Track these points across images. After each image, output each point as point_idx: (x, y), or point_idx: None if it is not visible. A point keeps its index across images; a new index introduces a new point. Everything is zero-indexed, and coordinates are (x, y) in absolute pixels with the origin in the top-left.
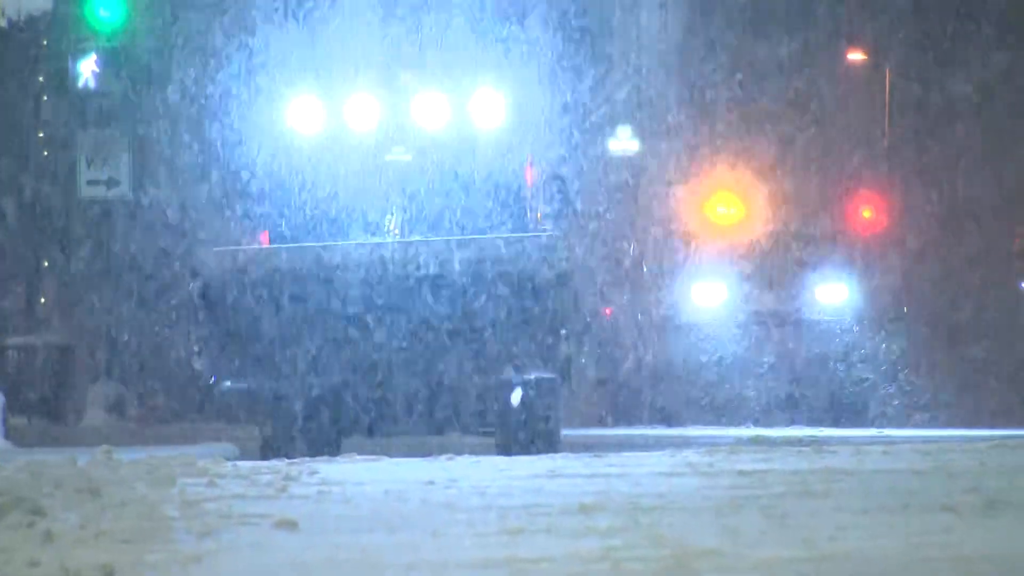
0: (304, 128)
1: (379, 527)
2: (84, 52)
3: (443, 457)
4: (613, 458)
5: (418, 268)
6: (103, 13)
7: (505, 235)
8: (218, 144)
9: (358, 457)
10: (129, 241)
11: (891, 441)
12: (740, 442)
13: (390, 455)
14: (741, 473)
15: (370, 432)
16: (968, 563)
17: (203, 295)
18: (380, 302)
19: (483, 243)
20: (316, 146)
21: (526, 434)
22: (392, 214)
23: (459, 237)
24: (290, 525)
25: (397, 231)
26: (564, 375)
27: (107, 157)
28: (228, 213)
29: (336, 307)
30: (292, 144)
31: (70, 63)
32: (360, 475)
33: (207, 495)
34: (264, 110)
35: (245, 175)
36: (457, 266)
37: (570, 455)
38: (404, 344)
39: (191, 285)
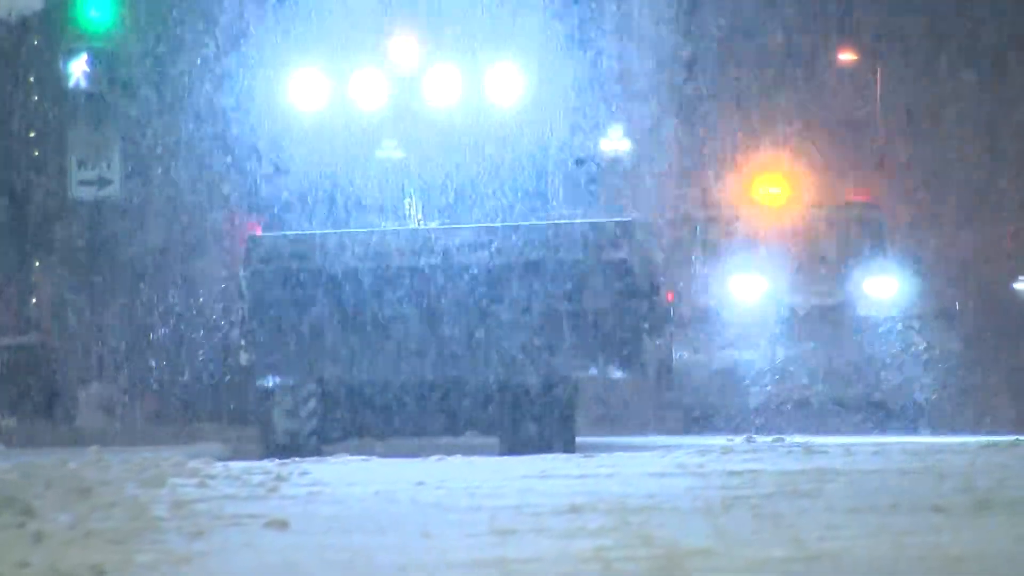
0: (307, 109)
1: (369, 527)
2: (75, 52)
3: (434, 458)
4: (604, 458)
5: (493, 256)
6: (94, 13)
7: (589, 220)
8: (216, 138)
9: (349, 457)
10: (120, 240)
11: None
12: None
13: (381, 455)
14: (731, 473)
15: (426, 432)
16: (958, 563)
17: (252, 284)
18: (449, 293)
19: (566, 229)
20: (321, 127)
21: (541, 436)
22: (409, 198)
23: (540, 223)
24: (280, 525)
25: (420, 217)
26: (647, 374)
27: (98, 157)
28: (230, 206)
29: (399, 298)
30: (296, 128)
31: (61, 63)
32: (351, 476)
33: (198, 496)
34: (264, 96)
35: (248, 165)
36: (541, 254)
37: (560, 455)
38: (472, 340)
39: (240, 274)
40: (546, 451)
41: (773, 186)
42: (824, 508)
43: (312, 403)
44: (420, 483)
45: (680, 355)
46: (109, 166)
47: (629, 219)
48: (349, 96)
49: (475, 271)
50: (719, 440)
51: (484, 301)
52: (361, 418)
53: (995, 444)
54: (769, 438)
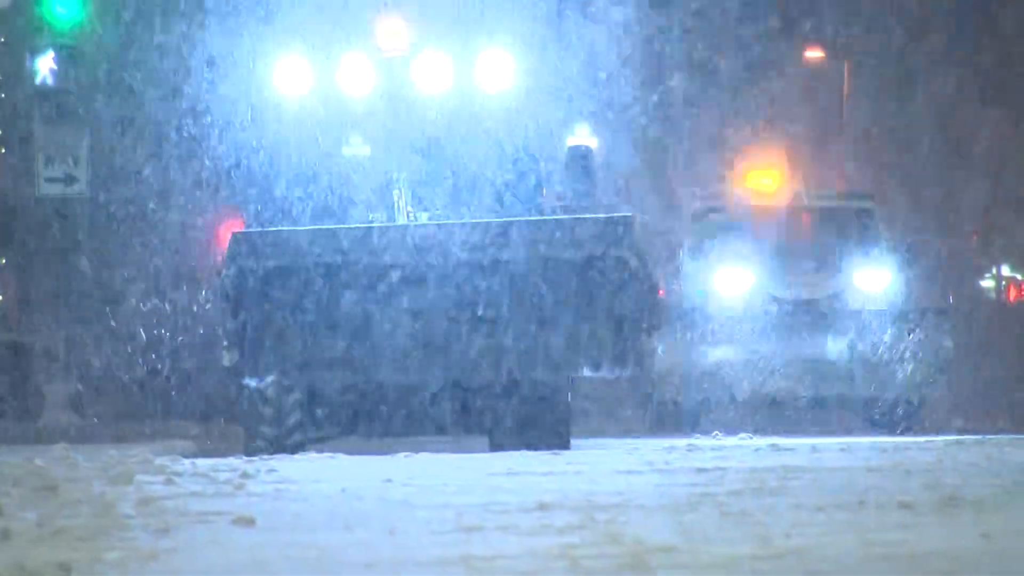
0: (289, 97)
1: (336, 525)
2: (41, 49)
3: (401, 455)
4: (571, 456)
5: (485, 252)
6: (60, 10)
7: (581, 216)
8: (190, 131)
9: (315, 455)
10: (89, 237)
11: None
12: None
13: (348, 452)
14: (698, 471)
15: (415, 432)
16: (924, 559)
17: (237, 282)
18: (440, 290)
19: (563, 224)
20: (304, 116)
21: (535, 436)
22: (397, 190)
23: (532, 218)
24: (247, 522)
25: (409, 210)
26: (640, 373)
27: (65, 154)
28: (203, 201)
29: (386, 295)
30: (277, 118)
31: (28, 60)
32: (317, 473)
33: (164, 493)
34: (244, 85)
35: (225, 157)
36: (531, 251)
37: (528, 453)
38: (463, 339)
39: (223, 272)
40: (541, 451)
41: (764, 177)
42: (790, 505)
43: (297, 402)
44: (387, 480)
45: (662, 352)
46: (76, 163)
47: (628, 214)
48: (334, 83)
49: (468, 267)
50: (695, 441)
51: (477, 298)
52: (347, 417)
53: (961, 441)
54: (736, 438)
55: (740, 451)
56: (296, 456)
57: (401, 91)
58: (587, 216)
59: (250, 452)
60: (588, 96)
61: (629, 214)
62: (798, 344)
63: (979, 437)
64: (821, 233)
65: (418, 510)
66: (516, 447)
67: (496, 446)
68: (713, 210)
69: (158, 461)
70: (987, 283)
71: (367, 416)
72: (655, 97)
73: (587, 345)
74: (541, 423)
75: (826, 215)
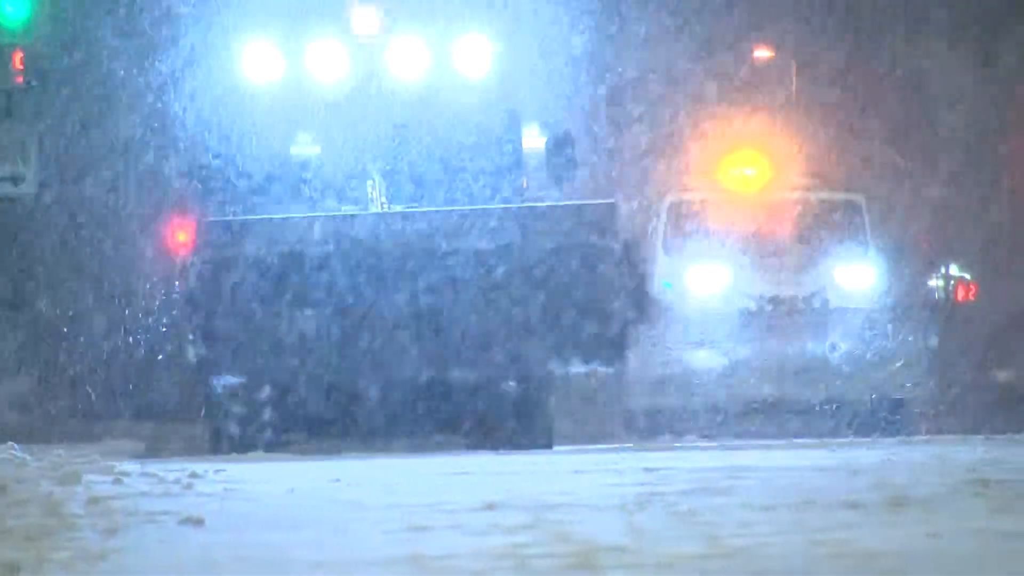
0: (258, 85)
1: (285, 525)
2: None
3: (351, 455)
4: (521, 456)
5: (462, 241)
6: (9, 9)
7: (568, 203)
8: (144, 123)
9: (264, 455)
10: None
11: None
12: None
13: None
14: (647, 470)
15: (388, 432)
16: (871, 559)
17: (201, 275)
18: (416, 281)
19: (543, 212)
20: (274, 104)
21: (515, 435)
22: (371, 180)
23: (508, 206)
24: (196, 522)
25: (383, 200)
26: (623, 368)
27: (12, 153)
28: (156, 195)
29: (360, 287)
30: (246, 107)
31: None
32: (266, 473)
33: (113, 493)
34: (210, 72)
35: (184, 147)
36: (511, 240)
37: (477, 453)
38: (436, 333)
39: (186, 263)
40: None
41: (747, 167)
42: (738, 505)
43: (267, 401)
44: (336, 480)
45: (636, 352)
46: (24, 162)
47: (611, 201)
48: (305, 70)
49: (444, 257)
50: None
51: (455, 289)
52: (320, 418)
53: (909, 441)
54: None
55: (689, 451)
56: (245, 456)
57: (375, 78)
58: (568, 203)
59: (216, 452)
60: (563, 83)
61: (612, 201)
62: (776, 344)
63: (927, 437)
64: (803, 227)
65: (367, 510)
66: (496, 448)
67: (474, 447)
68: (687, 202)
69: (107, 461)
70: (935, 282)
71: (341, 417)
72: (629, 85)
73: (570, 339)
74: (523, 423)
75: (809, 208)
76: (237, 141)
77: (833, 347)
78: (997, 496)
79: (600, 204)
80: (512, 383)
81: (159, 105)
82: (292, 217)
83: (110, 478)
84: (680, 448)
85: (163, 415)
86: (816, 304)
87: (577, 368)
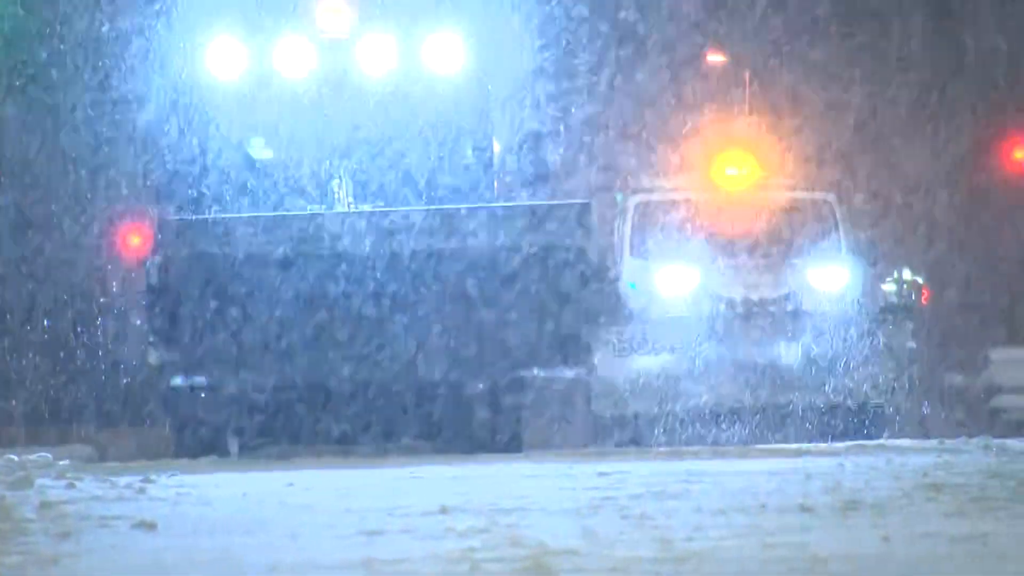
0: (223, 79)
1: (237, 529)
2: None
3: (305, 459)
4: (476, 460)
5: (430, 240)
6: None
7: (535, 203)
8: (105, 121)
9: (217, 460)
10: None
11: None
12: None
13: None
14: (600, 474)
15: (356, 437)
16: (824, 563)
17: (164, 273)
18: (378, 283)
19: (511, 212)
20: (238, 100)
21: (483, 440)
22: (338, 178)
23: (480, 205)
24: (148, 526)
25: (350, 199)
26: (592, 372)
27: None
28: (113, 194)
29: (320, 288)
30: (207, 102)
31: None
32: (219, 478)
33: (65, 497)
34: (175, 69)
35: (143, 147)
36: (480, 240)
37: (432, 457)
38: (402, 335)
39: (144, 263)
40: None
41: (721, 167)
42: (692, 509)
43: (225, 404)
44: (289, 484)
45: (601, 357)
46: None
47: (585, 201)
48: (271, 67)
49: (411, 257)
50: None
51: (422, 289)
52: (285, 423)
53: (863, 445)
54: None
55: (642, 456)
56: (198, 461)
57: (343, 76)
58: (541, 203)
59: (177, 454)
60: (535, 82)
61: (586, 201)
62: (747, 348)
63: (879, 441)
64: (773, 227)
65: (320, 514)
66: (465, 452)
67: (442, 451)
68: (654, 203)
69: (59, 465)
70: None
71: (306, 421)
72: (601, 84)
73: (539, 341)
74: (491, 428)
75: (779, 208)
76: (200, 140)
77: (805, 350)
78: (949, 500)
79: (574, 204)
80: (481, 386)
81: (119, 103)
82: (252, 216)
83: (63, 482)
84: (634, 452)
85: (116, 419)
86: (787, 306)
87: (546, 371)
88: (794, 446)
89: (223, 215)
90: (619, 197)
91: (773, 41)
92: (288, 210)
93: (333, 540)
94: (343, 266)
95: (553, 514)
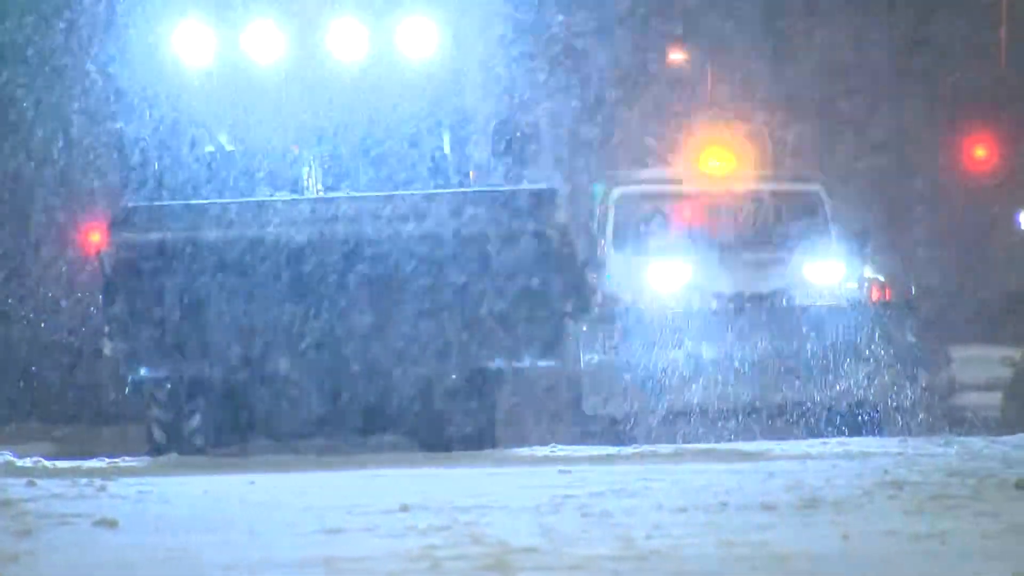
0: (190, 65)
1: (198, 527)
2: None
3: (266, 457)
4: (436, 459)
5: (395, 226)
6: None
7: (499, 188)
8: (66, 107)
9: (179, 459)
10: None
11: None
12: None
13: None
14: (561, 472)
15: (325, 432)
16: (785, 561)
17: (119, 261)
18: (345, 270)
19: (476, 198)
20: (207, 86)
21: (454, 434)
22: (308, 167)
23: (444, 190)
24: (110, 524)
25: (319, 187)
26: (567, 364)
27: None
28: (71, 184)
29: (275, 276)
30: (173, 88)
31: None
32: (180, 476)
33: (26, 495)
34: (139, 54)
35: (107, 135)
36: (443, 226)
37: (392, 455)
38: (368, 326)
39: (104, 249)
40: (464, 450)
41: (713, 159)
42: (652, 507)
43: (190, 398)
44: (250, 483)
45: (589, 356)
46: None
47: (551, 187)
48: (240, 52)
49: (374, 243)
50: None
51: (385, 278)
52: (251, 420)
53: (824, 443)
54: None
55: (604, 454)
56: (159, 458)
57: (313, 61)
58: (505, 188)
59: (139, 453)
60: (509, 67)
61: (552, 186)
62: (741, 345)
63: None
64: (761, 220)
65: (280, 512)
66: (435, 447)
67: (417, 446)
68: (637, 195)
69: (19, 463)
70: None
71: (273, 419)
72: (578, 69)
73: (507, 332)
74: (462, 421)
75: (765, 199)
76: (165, 126)
77: (799, 345)
78: (909, 498)
79: (539, 189)
80: (452, 377)
81: (82, 89)
82: (212, 202)
83: (23, 480)
84: (596, 451)
85: (77, 416)
86: (781, 301)
87: (513, 361)
88: (755, 444)
89: (173, 202)
90: (597, 188)
91: (729, 37)
92: (253, 197)
93: (293, 538)
94: (300, 254)
95: (514, 512)
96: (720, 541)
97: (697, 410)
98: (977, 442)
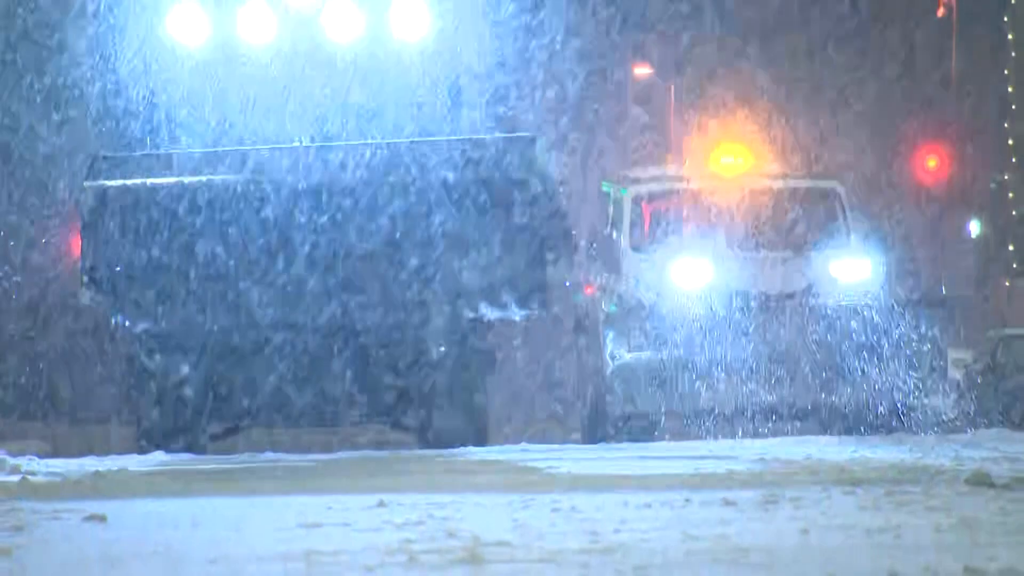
0: (184, 47)
1: (183, 522)
2: None
3: (246, 453)
4: (412, 455)
5: (374, 175)
6: None
7: (475, 136)
8: (61, 88)
9: (163, 455)
10: None
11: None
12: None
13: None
14: (532, 469)
15: (314, 420)
16: (745, 553)
17: (96, 209)
18: (323, 218)
19: (454, 145)
20: (199, 70)
21: (449, 422)
22: (298, 142)
23: (427, 139)
24: (99, 519)
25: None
26: (549, 312)
27: None
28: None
29: (253, 227)
30: (168, 70)
31: None
32: (166, 471)
33: (18, 491)
34: (135, 35)
35: (98, 116)
36: (423, 174)
37: (369, 451)
38: (347, 275)
39: (80, 196)
40: (456, 437)
41: (726, 156)
42: (619, 503)
43: (184, 385)
44: (233, 480)
45: (612, 355)
46: None
47: (530, 135)
48: (234, 34)
49: (351, 192)
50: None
51: (367, 228)
52: (243, 405)
53: (784, 441)
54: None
55: (571, 451)
56: (146, 455)
57: (308, 43)
58: (484, 136)
59: (146, 444)
60: (503, 49)
61: (531, 135)
62: (764, 345)
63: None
64: (779, 218)
65: (262, 507)
66: (427, 443)
67: (415, 436)
68: (653, 194)
69: (12, 460)
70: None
71: (256, 369)
72: (574, 51)
73: (487, 280)
74: (454, 414)
75: (782, 197)
76: (161, 108)
77: (822, 344)
78: (864, 495)
79: (518, 136)
80: (433, 327)
81: (77, 68)
82: (189, 152)
83: (16, 477)
84: (565, 449)
85: (71, 413)
86: (804, 300)
87: (495, 313)
88: (719, 443)
89: (144, 152)
90: (606, 187)
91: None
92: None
93: (274, 532)
94: (280, 204)
95: (487, 508)
96: (684, 535)
97: (721, 408)
98: (929, 440)
